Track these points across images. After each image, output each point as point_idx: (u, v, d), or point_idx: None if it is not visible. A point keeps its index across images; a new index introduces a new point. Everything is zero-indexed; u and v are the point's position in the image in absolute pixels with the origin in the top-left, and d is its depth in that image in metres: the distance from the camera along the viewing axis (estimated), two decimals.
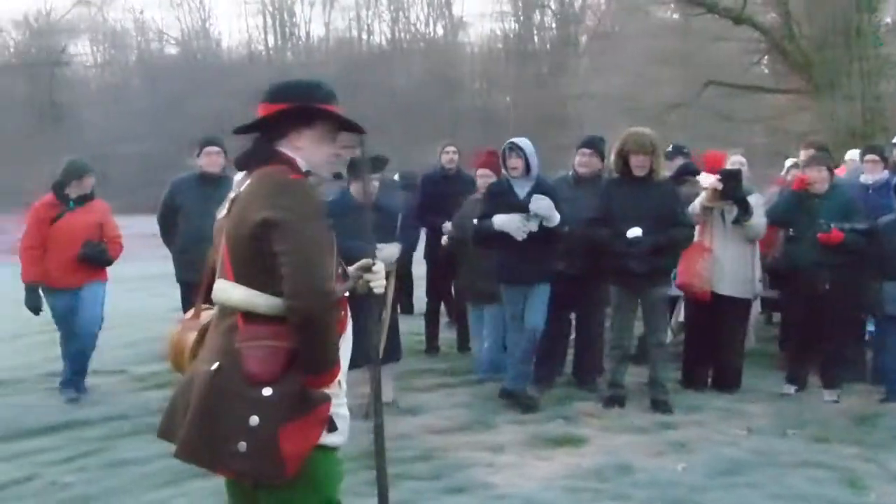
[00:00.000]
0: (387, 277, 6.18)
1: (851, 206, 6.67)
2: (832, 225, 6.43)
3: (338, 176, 6.49)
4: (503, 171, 6.55)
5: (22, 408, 6.71)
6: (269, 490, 2.66)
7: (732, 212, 6.68)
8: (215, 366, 2.65)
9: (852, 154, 8.56)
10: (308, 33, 42.28)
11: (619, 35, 29.23)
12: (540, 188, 6.37)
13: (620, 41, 28.35)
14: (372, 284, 3.01)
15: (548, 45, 38.13)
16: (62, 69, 36.78)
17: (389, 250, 6.23)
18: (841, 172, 7.78)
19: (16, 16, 38.44)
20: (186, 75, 38.68)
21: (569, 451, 5.49)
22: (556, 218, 6.24)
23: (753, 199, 6.76)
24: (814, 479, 4.89)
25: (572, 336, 7.30)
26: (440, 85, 37.02)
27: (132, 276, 12.67)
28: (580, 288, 6.79)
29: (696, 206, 6.80)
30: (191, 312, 2.99)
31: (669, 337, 8.05)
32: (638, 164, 6.32)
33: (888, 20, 17.68)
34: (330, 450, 2.73)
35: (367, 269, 3.03)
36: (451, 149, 8.37)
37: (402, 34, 41.40)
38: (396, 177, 9.77)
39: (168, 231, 7.01)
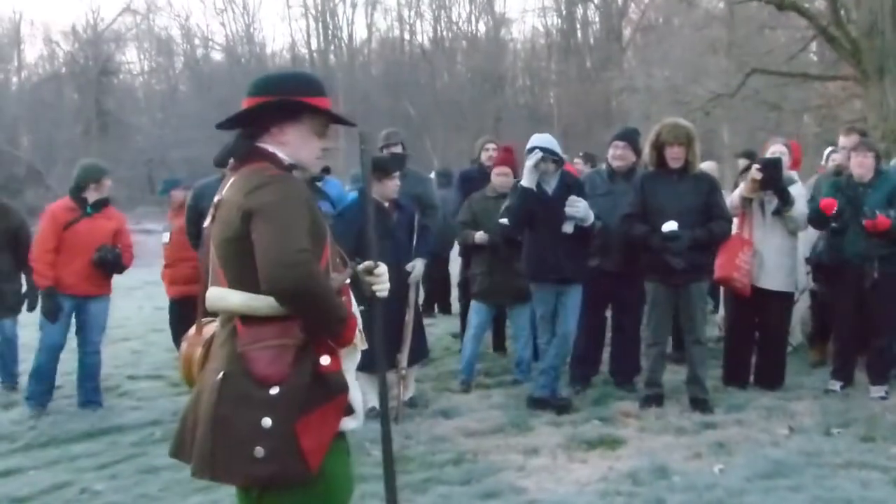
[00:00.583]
0: (407, 280, 6.19)
1: None
2: (877, 212, 6.19)
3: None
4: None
5: (60, 414, 6.75)
6: (276, 495, 2.55)
7: (773, 202, 6.47)
8: (221, 375, 2.58)
9: None
10: (351, 35, 42.40)
11: (664, 27, 28.89)
12: (565, 181, 6.23)
13: (665, 33, 28.02)
14: (375, 288, 2.89)
15: (591, 40, 37.76)
16: (110, 78, 37.32)
17: (416, 269, 6.23)
18: None
19: (65, 27, 39.34)
20: (232, 80, 38.99)
21: (604, 454, 5.33)
22: (591, 218, 6.11)
23: (795, 189, 6.54)
24: (860, 481, 4.66)
25: (609, 334, 7.13)
26: (484, 82, 36.88)
27: None
28: (616, 285, 6.64)
29: (735, 197, 6.61)
30: (193, 329, 2.90)
31: (716, 333, 7.89)
32: (673, 156, 6.14)
33: None
34: (340, 447, 2.65)
35: (370, 271, 2.91)
36: (492, 146, 8.25)
37: (445, 33, 41.32)
38: (433, 174, 9.68)
39: (196, 236, 6.99)
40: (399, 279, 6.13)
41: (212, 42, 43.90)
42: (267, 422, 2.48)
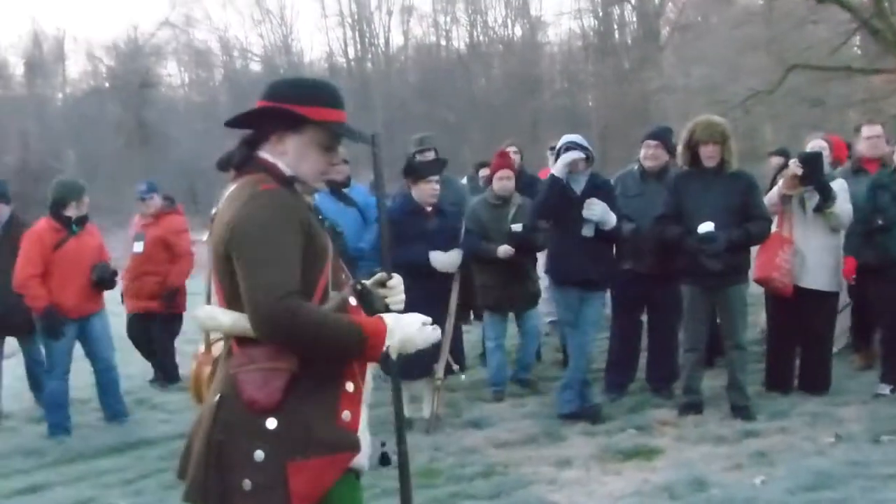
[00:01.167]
0: (450, 284, 6.03)
1: None
2: None
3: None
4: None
5: (89, 428, 6.70)
6: None
7: (813, 199, 6.22)
8: (217, 397, 2.44)
9: None
10: (387, 42, 42.37)
11: (701, 25, 28.47)
12: (594, 182, 6.06)
13: (702, 31, 27.60)
14: (389, 301, 2.70)
15: (629, 40, 37.33)
16: (150, 91, 37.71)
17: (447, 258, 5.99)
18: None
19: (108, 42, 39.88)
20: None
21: (639, 465, 5.14)
22: (612, 221, 5.92)
23: (836, 185, 6.28)
24: None
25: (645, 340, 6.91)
26: (520, 86, 36.58)
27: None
28: (650, 288, 6.43)
29: (773, 194, 6.37)
30: (202, 346, 2.78)
31: (758, 335, 7.64)
32: (708, 155, 5.92)
33: None
34: (350, 475, 2.49)
35: (383, 283, 2.75)
36: (513, 148, 8.08)
37: (481, 37, 41.09)
38: (465, 180, 9.53)
39: None
40: (438, 286, 5.98)
41: (250, 53, 44.17)
42: (259, 454, 2.35)
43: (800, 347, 6.52)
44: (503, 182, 6.88)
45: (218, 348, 2.67)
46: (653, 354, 6.74)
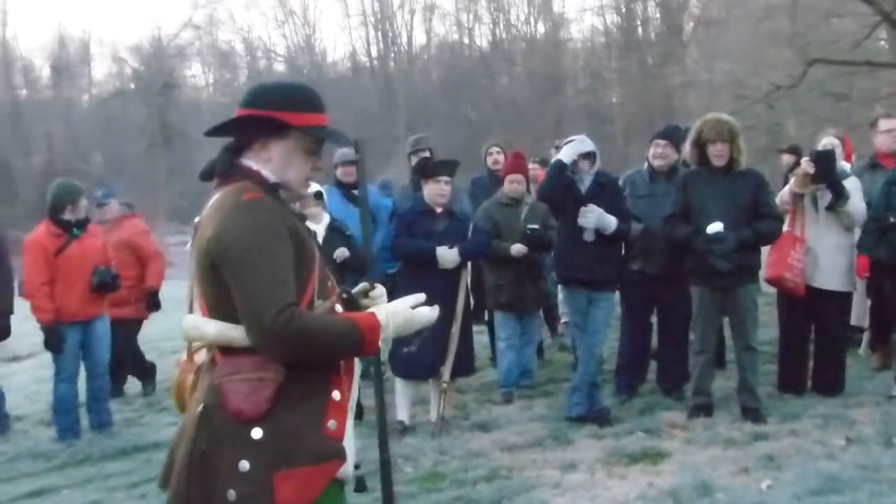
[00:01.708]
0: (457, 288, 5.98)
1: None
2: None
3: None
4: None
5: (98, 432, 6.72)
6: None
7: (826, 197, 6.11)
8: (200, 407, 2.41)
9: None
10: (410, 41, 42.43)
11: (725, 20, 28.17)
12: (600, 181, 6.00)
13: (726, 26, 27.32)
14: (372, 311, 2.67)
15: (652, 35, 37.11)
16: (173, 92, 37.99)
17: (448, 255, 5.95)
18: None
19: (133, 44, 40.25)
20: None
21: (645, 469, 5.06)
22: (611, 225, 5.86)
23: (850, 183, 6.17)
24: None
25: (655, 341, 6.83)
26: (543, 83, 36.47)
27: None
28: (660, 289, 6.36)
29: (785, 192, 6.27)
30: (185, 354, 2.75)
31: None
32: (716, 153, 5.83)
33: None
34: (335, 485, 2.45)
35: (366, 293, 2.72)
36: (496, 149, 8.04)
37: (503, 35, 41.05)
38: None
39: None
40: (446, 288, 5.94)
41: (273, 53, 44.41)
42: (244, 465, 2.31)
43: (813, 348, 6.42)
44: (514, 185, 6.85)
45: (200, 356, 2.65)
46: (663, 356, 6.65)
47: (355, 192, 7.60)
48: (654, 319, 6.74)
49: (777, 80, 18.61)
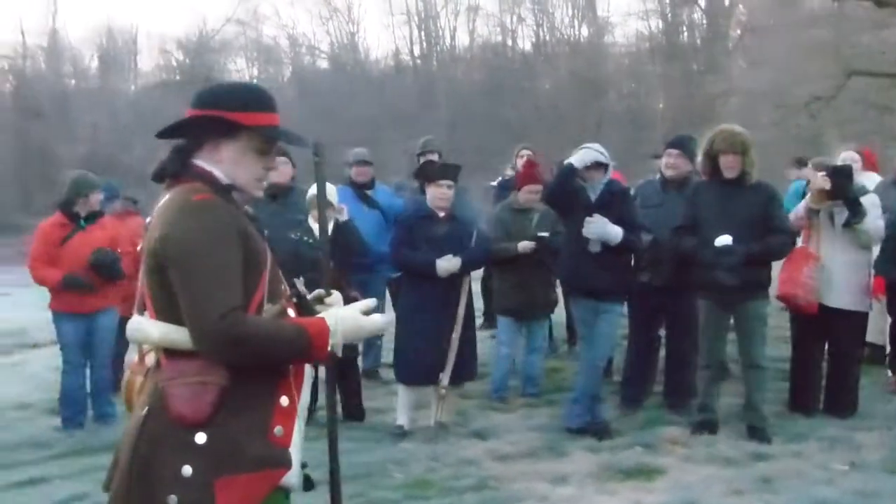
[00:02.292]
0: (459, 291, 5.91)
1: None
2: None
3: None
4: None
5: (102, 423, 6.74)
6: None
7: (842, 214, 5.95)
8: (145, 410, 2.38)
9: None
10: (453, 42, 42.38)
11: (769, 28, 27.73)
12: (611, 189, 5.89)
13: (769, 34, 26.89)
14: (321, 316, 2.62)
15: (698, 41, 36.69)
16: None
17: (448, 263, 5.86)
18: None
19: (179, 37, 40.67)
20: (336, 87, 39.56)
21: (636, 485, 4.95)
22: (617, 236, 5.73)
23: (868, 200, 6.00)
24: None
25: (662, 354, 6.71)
26: (586, 87, 36.21)
27: None
28: (669, 302, 6.23)
29: (800, 208, 6.12)
30: (136, 355, 2.72)
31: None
32: (727, 165, 5.70)
33: None
34: (279, 493, 2.40)
35: (320, 300, 2.69)
36: (526, 152, 7.93)
37: (547, 38, 40.80)
38: (495, 183, 9.40)
39: None
40: (447, 293, 5.88)
41: (317, 50, 44.61)
42: (187, 470, 2.27)
43: (826, 368, 6.26)
44: (530, 196, 6.80)
45: (151, 358, 2.62)
46: (670, 370, 6.52)
47: (368, 192, 7.57)
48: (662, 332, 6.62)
49: (818, 90, 18.31)
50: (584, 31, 40.08)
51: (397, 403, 6.14)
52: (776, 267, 6.01)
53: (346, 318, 2.47)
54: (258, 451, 2.32)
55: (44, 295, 6.74)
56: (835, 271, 6.01)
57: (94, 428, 6.54)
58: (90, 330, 6.54)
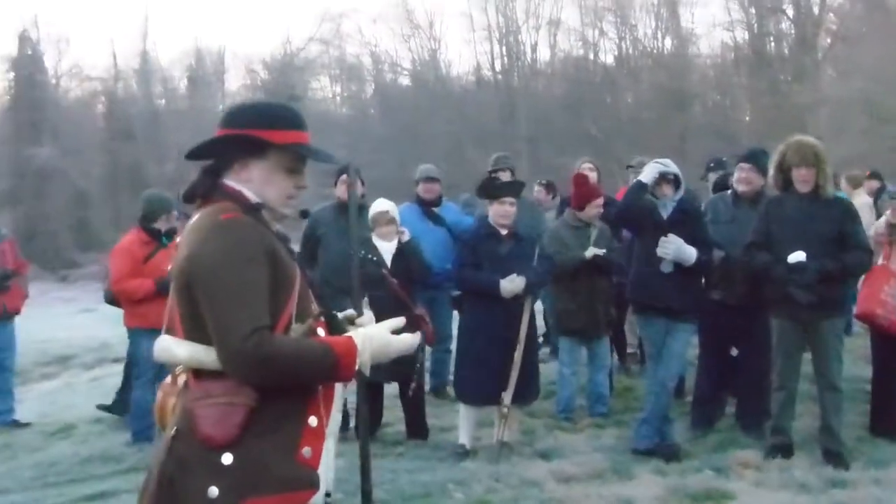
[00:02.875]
0: (521, 313, 5.82)
1: None
2: None
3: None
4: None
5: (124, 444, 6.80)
6: None
7: None
8: (173, 431, 2.39)
9: None
10: (534, 56, 42.21)
11: (861, 36, 26.91)
12: (682, 207, 5.74)
13: (861, 42, 26.09)
14: (349, 335, 2.58)
15: (785, 51, 35.77)
16: (297, 104, 39.01)
17: (512, 284, 5.77)
18: None
19: (265, 57, 41.51)
20: (418, 104, 39.84)
21: None
22: (691, 257, 5.57)
23: None
24: None
25: None
26: (669, 100, 35.66)
27: None
28: (742, 320, 6.02)
29: (880, 224, 5.87)
30: (169, 378, 2.73)
31: None
32: (801, 179, 5.50)
33: None
34: None
35: (351, 321, 2.65)
36: (588, 165, 7.79)
37: (630, 51, 40.34)
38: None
39: (310, 262, 6.91)
40: (510, 312, 5.81)
41: (399, 67, 44.97)
42: (213, 491, 2.26)
43: None
44: (597, 210, 6.70)
45: (183, 379, 2.62)
46: (743, 391, 6.29)
47: (436, 209, 7.55)
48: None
49: None
50: (668, 44, 39.49)
51: (458, 422, 6.07)
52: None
53: (374, 336, 2.44)
54: (285, 472, 2.30)
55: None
56: None
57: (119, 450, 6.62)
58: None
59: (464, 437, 5.97)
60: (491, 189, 6.08)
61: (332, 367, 2.33)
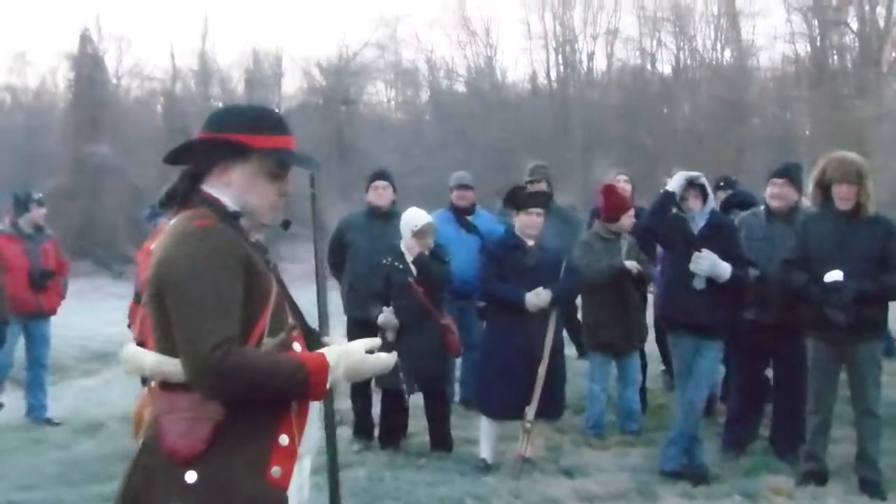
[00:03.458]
0: (546, 326, 5.69)
1: None
2: None
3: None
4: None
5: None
6: None
7: None
8: (140, 443, 2.34)
9: None
10: (591, 65, 41.88)
11: None
12: (714, 222, 5.58)
13: None
14: (322, 351, 2.45)
15: (848, 64, 34.97)
16: (351, 108, 39.17)
17: (537, 298, 5.65)
18: None
19: (321, 60, 41.78)
20: (473, 111, 39.75)
21: None
22: (725, 273, 5.42)
23: None
24: None
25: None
26: (727, 111, 35.12)
27: None
28: (777, 340, 5.84)
29: None
30: (146, 388, 2.68)
31: None
32: (842, 196, 5.30)
33: None
34: None
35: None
36: (624, 177, 7.64)
37: (688, 62, 39.80)
38: None
39: (338, 267, 6.87)
40: (534, 324, 5.70)
41: (455, 74, 44.93)
42: None
43: None
44: (630, 220, 6.59)
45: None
46: (778, 413, 6.09)
47: (469, 217, 7.46)
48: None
49: None
50: (727, 55, 38.90)
51: (480, 436, 5.97)
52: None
53: (350, 353, 2.36)
54: (252, 492, 2.22)
55: None
56: None
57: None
58: None
59: (485, 452, 5.87)
60: (518, 199, 5.97)
61: (303, 383, 2.25)
